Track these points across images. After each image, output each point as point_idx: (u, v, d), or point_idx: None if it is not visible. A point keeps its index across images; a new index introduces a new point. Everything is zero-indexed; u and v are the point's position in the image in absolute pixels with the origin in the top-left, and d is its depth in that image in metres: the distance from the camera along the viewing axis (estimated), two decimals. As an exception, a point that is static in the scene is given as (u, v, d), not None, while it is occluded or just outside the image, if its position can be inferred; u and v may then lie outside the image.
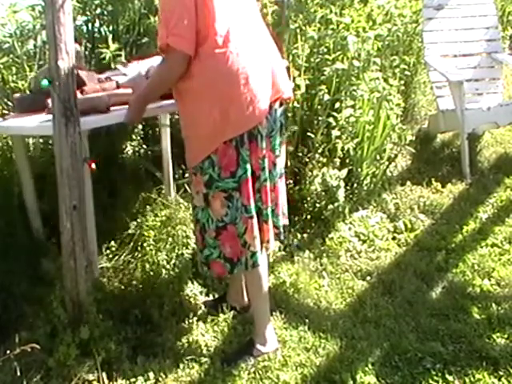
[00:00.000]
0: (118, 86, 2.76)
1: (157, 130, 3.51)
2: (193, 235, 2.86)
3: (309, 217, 3.41)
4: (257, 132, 2.34)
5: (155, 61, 3.00)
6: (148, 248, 2.85)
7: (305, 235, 3.35)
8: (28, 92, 2.90)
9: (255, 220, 2.39)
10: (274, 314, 2.73)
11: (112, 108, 2.58)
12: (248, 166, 2.33)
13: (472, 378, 2.39)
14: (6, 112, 3.02)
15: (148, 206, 3.15)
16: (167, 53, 2.27)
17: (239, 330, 2.65)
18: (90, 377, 2.28)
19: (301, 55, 3.43)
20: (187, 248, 2.89)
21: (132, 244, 2.82)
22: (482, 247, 3.33)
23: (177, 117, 3.21)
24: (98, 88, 2.70)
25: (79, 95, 2.59)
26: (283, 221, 2.60)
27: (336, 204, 3.36)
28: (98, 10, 3.49)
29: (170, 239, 2.91)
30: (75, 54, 2.68)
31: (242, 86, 2.26)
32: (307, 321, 2.72)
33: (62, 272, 2.49)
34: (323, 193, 3.36)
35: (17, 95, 2.86)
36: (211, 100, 2.26)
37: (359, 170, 3.61)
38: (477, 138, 4.50)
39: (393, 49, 4.35)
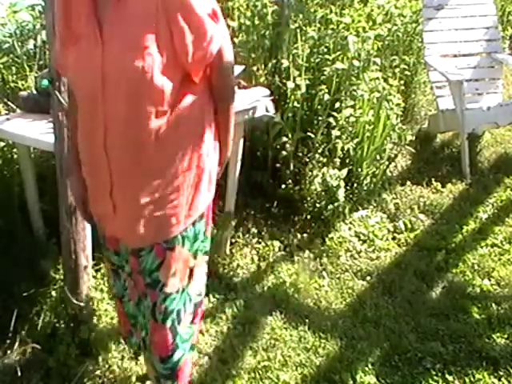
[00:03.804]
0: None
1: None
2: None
3: (309, 217, 3.40)
4: None
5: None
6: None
7: (305, 235, 3.35)
8: (34, 91, 2.89)
9: None
10: (273, 313, 2.74)
11: None
12: None
13: (472, 378, 2.39)
14: (7, 112, 3.02)
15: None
16: (222, 61, 1.69)
17: (239, 330, 2.65)
18: (90, 377, 2.28)
19: (301, 55, 3.43)
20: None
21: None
22: (482, 247, 3.33)
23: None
24: None
25: None
26: None
27: (336, 204, 3.35)
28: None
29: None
30: None
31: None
32: (307, 321, 2.72)
33: (62, 272, 2.49)
34: (323, 193, 3.35)
35: (23, 93, 2.84)
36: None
37: (359, 169, 3.60)
38: (477, 138, 4.49)
39: (393, 49, 4.35)
